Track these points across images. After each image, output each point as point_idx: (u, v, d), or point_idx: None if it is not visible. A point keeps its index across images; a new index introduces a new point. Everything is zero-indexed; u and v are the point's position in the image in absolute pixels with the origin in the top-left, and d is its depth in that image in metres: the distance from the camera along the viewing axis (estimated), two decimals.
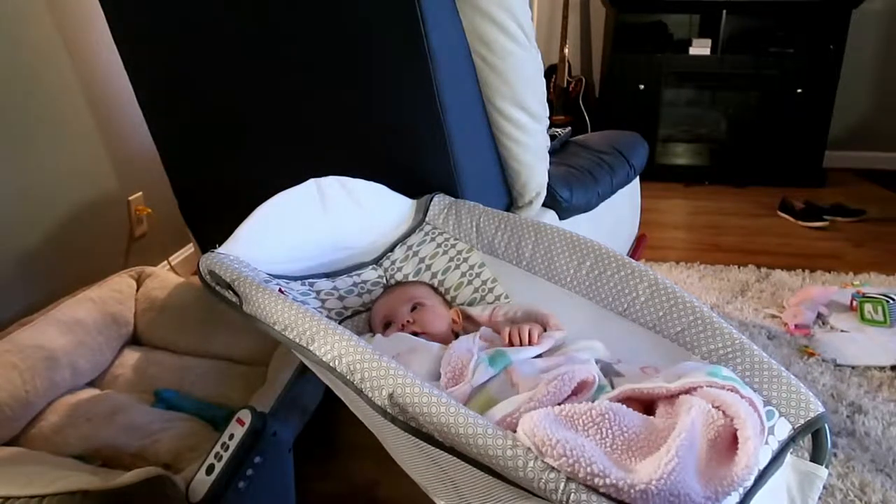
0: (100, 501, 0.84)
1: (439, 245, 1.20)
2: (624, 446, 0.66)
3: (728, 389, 0.72)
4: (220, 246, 1.01)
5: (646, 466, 0.62)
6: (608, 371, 0.86)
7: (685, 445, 0.62)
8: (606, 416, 0.67)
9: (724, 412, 0.69)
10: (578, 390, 0.78)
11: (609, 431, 0.66)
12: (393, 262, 1.20)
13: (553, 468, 0.61)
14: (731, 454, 0.65)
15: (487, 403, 0.78)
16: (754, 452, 0.64)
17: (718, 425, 0.68)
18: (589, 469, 0.59)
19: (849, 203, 2.80)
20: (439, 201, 1.23)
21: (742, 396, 0.72)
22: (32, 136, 1.55)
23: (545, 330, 0.97)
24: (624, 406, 0.70)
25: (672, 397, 0.74)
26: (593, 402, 0.73)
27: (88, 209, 1.73)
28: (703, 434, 0.66)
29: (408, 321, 1.02)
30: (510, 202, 1.42)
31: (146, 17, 1.33)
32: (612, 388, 0.82)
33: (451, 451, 0.67)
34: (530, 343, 0.91)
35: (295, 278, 1.09)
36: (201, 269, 0.98)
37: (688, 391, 0.73)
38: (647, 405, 0.76)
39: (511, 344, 0.92)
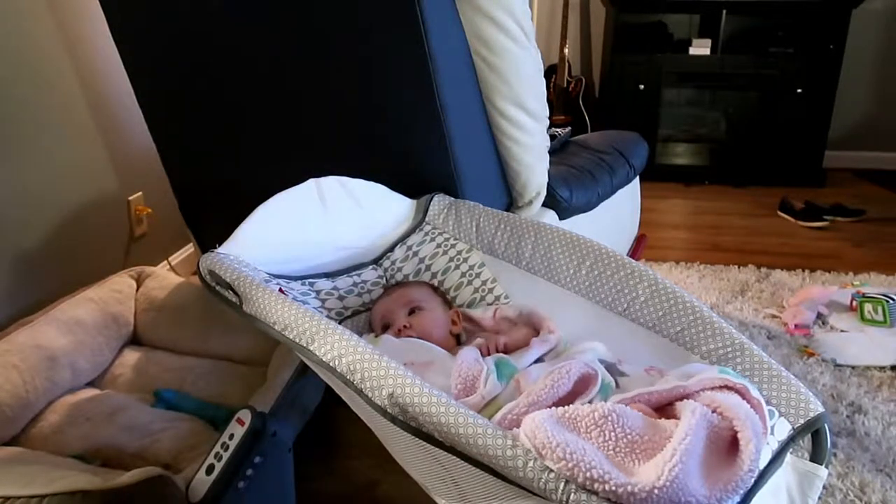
0: (100, 501, 0.84)
1: (439, 245, 1.20)
2: (627, 449, 0.65)
3: (738, 390, 0.72)
4: (220, 246, 1.01)
5: (648, 469, 0.61)
6: (612, 371, 0.85)
7: (688, 449, 0.62)
8: (609, 417, 0.67)
9: (722, 415, 0.69)
10: (582, 389, 0.77)
11: (612, 434, 0.66)
12: (393, 262, 1.20)
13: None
14: (731, 457, 0.65)
15: (496, 410, 0.77)
16: (756, 455, 0.64)
17: (718, 428, 0.67)
18: (588, 474, 0.59)
19: (849, 203, 2.80)
20: (439, 201, 1.23)
21: (751, 398, 0.72)
22: (32, 136, 1.55)
23: (537, 333, 0.97)
24: (627, 407, 0.70)
25: (672, 402, 0.74)
26: (601, 401, 0.73)
27: (88, 209, 1.73)
28: (705, 437, 0.66)
29: (404, 326, 1.02)
30: (510, 202, 1.42)
31: (146, 18, 1.33)
32: (617, 386, 0.82)
33: (452, 450, 0.67)
34: (497, 351, 0.92)
35: (295, 278, 1.09)
36: (201, 269, 0.98)
37: (697, 392, 0.73)
38: (654, 408, 0.75)
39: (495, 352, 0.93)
